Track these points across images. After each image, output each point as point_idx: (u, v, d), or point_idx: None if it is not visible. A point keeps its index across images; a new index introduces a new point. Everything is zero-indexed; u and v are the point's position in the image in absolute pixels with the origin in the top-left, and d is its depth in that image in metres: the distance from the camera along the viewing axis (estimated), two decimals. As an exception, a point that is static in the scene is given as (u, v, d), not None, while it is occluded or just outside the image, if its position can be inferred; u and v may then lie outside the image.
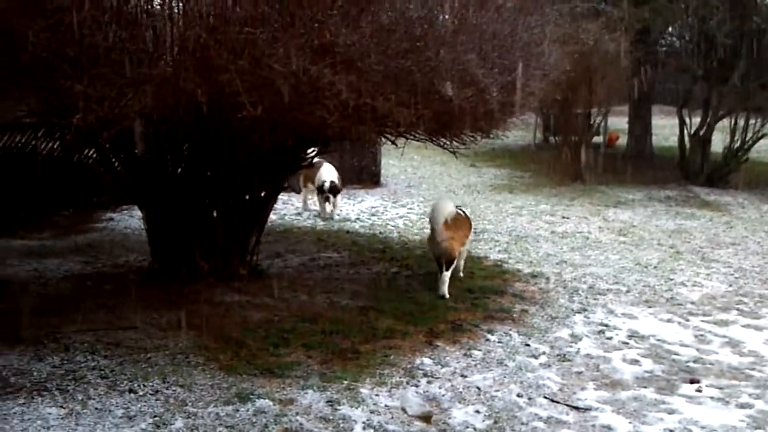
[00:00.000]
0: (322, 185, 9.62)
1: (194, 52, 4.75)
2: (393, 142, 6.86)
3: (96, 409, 4.31)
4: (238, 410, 4.35)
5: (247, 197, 6.70)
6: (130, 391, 4.53)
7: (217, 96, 4.94)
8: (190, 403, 4.41)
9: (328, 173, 9.64)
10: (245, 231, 6.75)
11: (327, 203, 9.75)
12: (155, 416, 4.24)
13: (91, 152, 9.03)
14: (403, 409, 4.49)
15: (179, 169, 6.61)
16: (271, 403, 4.44)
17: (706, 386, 5.04)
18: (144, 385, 4.60)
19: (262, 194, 6.84)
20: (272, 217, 8.64)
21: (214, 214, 6.58)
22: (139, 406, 4.36)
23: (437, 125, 6.03)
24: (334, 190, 9.64)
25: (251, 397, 4.49)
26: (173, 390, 4.57)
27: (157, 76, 4.72)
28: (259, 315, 5.89)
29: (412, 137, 6.63)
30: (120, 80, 4.67)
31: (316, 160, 8.17)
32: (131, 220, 9.26)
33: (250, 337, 5.41)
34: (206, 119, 5.39)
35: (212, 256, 6.57)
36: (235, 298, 6.25)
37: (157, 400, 4.44)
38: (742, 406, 4.76)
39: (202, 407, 4.37)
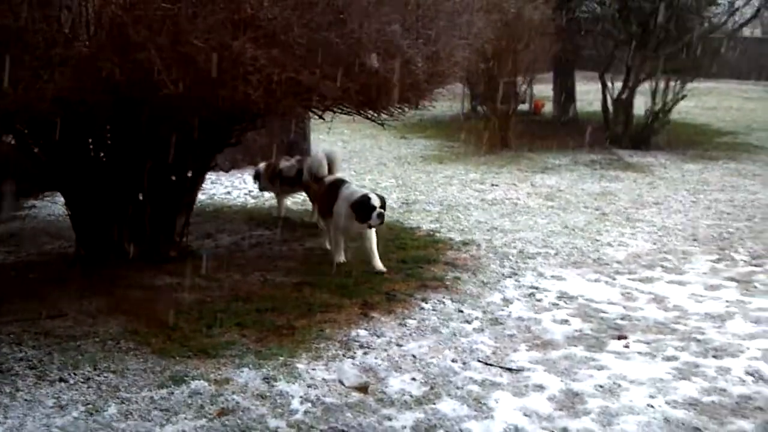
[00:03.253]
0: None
1: (111, 30, 4.62)
2: (320, 117, 6.82)
3: (25, 400, 4.20)
4: (172, 393, 4.30)
5: (174, 178, 6.58)
6: (61, 380, 4.43)
7: (136, 75, 4.82)
8: (123, 389, 4.34)
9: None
10: (173, 212, 6.64)
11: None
12: (87, 404, 4.17)
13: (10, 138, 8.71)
14: (340, 381, 4.51)
15: (101, 153, 6.44)
16: (206, 383, 4.41)
17: (634, 342, 5.21)
18: (74, 374, 4.51)
19: (189, 174, 6.72)
20: (201, 197, 8.53)
21: (140, 197, 6.44)
22: (70, 394, 4.27)
23: (364, 98, 6.01)
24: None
25: (185, 379, 4.45)
26: (105, 376, 4.49)
27: (73, 57, 4.58)
28: (191, 296, 5.82)
29: (339, 111, 6.60)
30: (34, 62, 4.51)
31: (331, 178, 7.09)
32: (54, 206, 8.99)
33: (182, 319, 5.34)
34: (126, 99, 5.25)
35: (140, 239, 6.45)
36: (165, 281, 6.15)
37: (88, 387, 4.36)
38: (668, 358, 4.94)
39: (135, 392, 4.31)
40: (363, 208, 6.34)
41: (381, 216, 6.34)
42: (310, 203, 8.46)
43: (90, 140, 6.36)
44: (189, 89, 4.80)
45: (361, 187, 7.42)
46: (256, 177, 8.79)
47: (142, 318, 5.37)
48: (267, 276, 6.40)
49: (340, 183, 6.87)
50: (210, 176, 8.98)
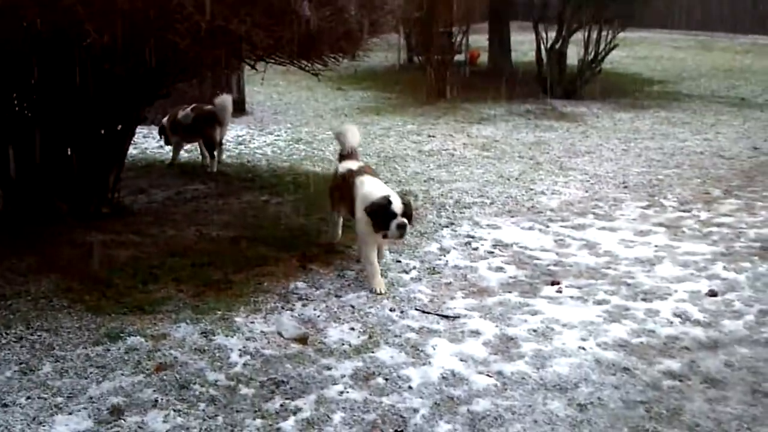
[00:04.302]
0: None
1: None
2: (253, 67, 6.70)
3: (-46, 362, 4.10)
4: (108, 349, 4.24)
5: (103, 131, 6.40)
6: (-9, 340, 4.34)
7: (60, 24, 4.64)
8: (57, 347, 4.27)
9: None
10: (104, 167, 6.47)
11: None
12: (21, 363, 4.08)
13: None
14: (279, 333, 4.52)
15: (26, 106, 6.21)
16: (142, 339, 4.36)
17: (566, 287, 5.35)
18: (6, 333, 4.40)
19: (119, 127, 6.54)
20: (133, 151, 8.36)
21: (68, 152, 6.26)
22: (2, 354, 4.18)
23: (297, 47, 5.90)
24: None
25: (121, 335, 4.39)
26: (38, 335, 4.40)
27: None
28: (125, 253, 5.71)
29: (272, 61, 6.49)
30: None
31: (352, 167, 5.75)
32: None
33: (116, 276, 5.25)
34: (50, 50, 5.06)
35: (70, 195, 6.28)
36: (98, 238, 6.02)
37: (21, 347, 4.27)
38: (599, 302, 5.09)
39: (70, 350, 4.24)
40: (380, 213, 5.09)
41: (402, 228, 5.06)
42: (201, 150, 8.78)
43: (14, 94, 6.12)
44: (114, 39, 4.64)
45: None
46: (161, 131, 8.79)
47: (75, 275, 5.25)
48: (203, 231, 6.33)
49: (356, 174, 5.53)
50: (141, 130, 8.77)
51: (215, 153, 8.50)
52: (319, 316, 4.78)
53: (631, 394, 3.95)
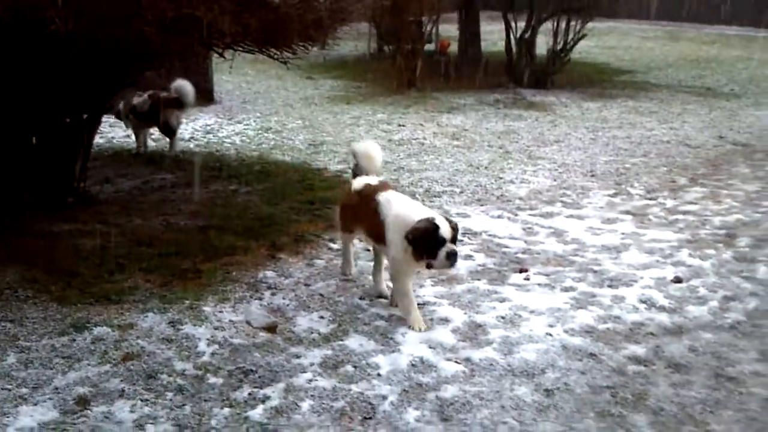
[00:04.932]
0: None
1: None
2: (221, 55, 6.63)
3: None
4: (74, 340, 4.20)
5: (68, 120, 6.31)
6: (-46, 331, 4.27)
7: (22, 11, 4.55)
8: (22, 338, 4.21)
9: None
10: (69, 157, 6.38)
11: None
12: (-16, 355, 4.03)
13: None
14: (248, 322, 4.50)
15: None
16: (109, 329, 4.32)
17: (534, 274, 5.39)
18: (-31, 325, 4.34)
19: (85, 116, 6.46)
20: (99, 140, 8.26)
21: (33, 141, 6.16)
22: (-35, 346, 4.12)
23: (265, 35, 5.87)
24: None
25: (87, 325, 4.35)
26: (2, 326, 4.34)
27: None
28: (91, 243, 5.64)
29: (240, 49, 6.43)
30: None
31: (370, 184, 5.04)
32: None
33: (83, 266, 5.19)
34: (12, 37, 4.97)
35: (35, 185, 6.19)
36: (64, 228, 5.94)
37: (-15, 338, 4.22)
38: (566, 289, 5.15)
39: (35, 340, 4.18)
40: (425, 240, 4.29)
41: (453, 257, 4.31)
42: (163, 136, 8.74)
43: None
44: (79, 26, 4.57)
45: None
46: (117, 116, 8.77)
47: (41, 266, 5.18)
48: (170, 220, 6.27)
49: (378, 190, 4.75)
50: (108, 119, 8.65)
51: (173, 140, 8.52)
52: (288, 305, 4.76)
53: (597, 380, 4.00)
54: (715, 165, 8.85)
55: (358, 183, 4.97)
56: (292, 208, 6.53)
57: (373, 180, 4.94)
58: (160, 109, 8.30)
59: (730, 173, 8.45)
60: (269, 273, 5.24)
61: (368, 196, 4.74)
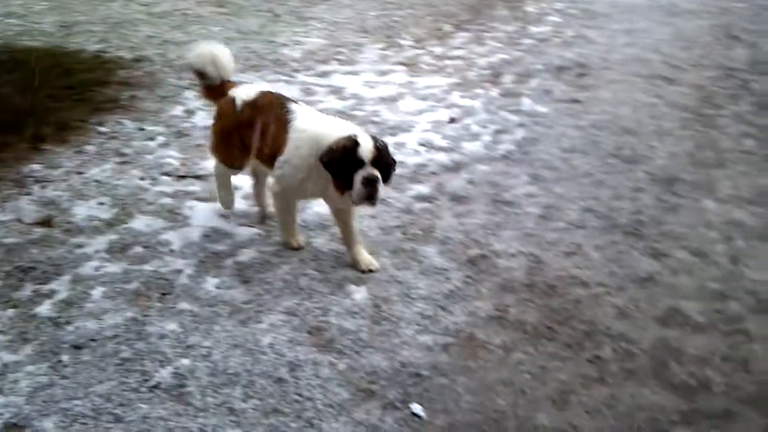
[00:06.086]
0: None
1: None
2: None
3: None
4: None
5: None
6: None
7: None
8: None
9: None
10: None
11: None
12: None
13: None
14: (19, 220, 4.15)
15: None
16: None
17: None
18: None
19: None
20: None
21: None
22: None
23: None
24: None
25: None
26: None
27: None
28: None
29: None
30: None
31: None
32: None
33: None
34: None
35: None
36: None
37: None
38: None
39: None
40: (345, 163, 3.44)
41: (372, 184, 3.41)
42: None
43: None
44: None
45: None
46: None
47: None
48: None
49: (280, 102, 3.86)
50: None
51: None
52: (61, 197, 4.43)
53: (387, 221, 4.14)
54: (476, 10, 9.16)
55: (244, 93, 3.97)
56: (50, 96, 5.96)
57: (251, 92, 3.97)
58: None
59: (490, 16, 8.81)
60: (35, 166, 4.82)
61: (271, 106, 3.81)
